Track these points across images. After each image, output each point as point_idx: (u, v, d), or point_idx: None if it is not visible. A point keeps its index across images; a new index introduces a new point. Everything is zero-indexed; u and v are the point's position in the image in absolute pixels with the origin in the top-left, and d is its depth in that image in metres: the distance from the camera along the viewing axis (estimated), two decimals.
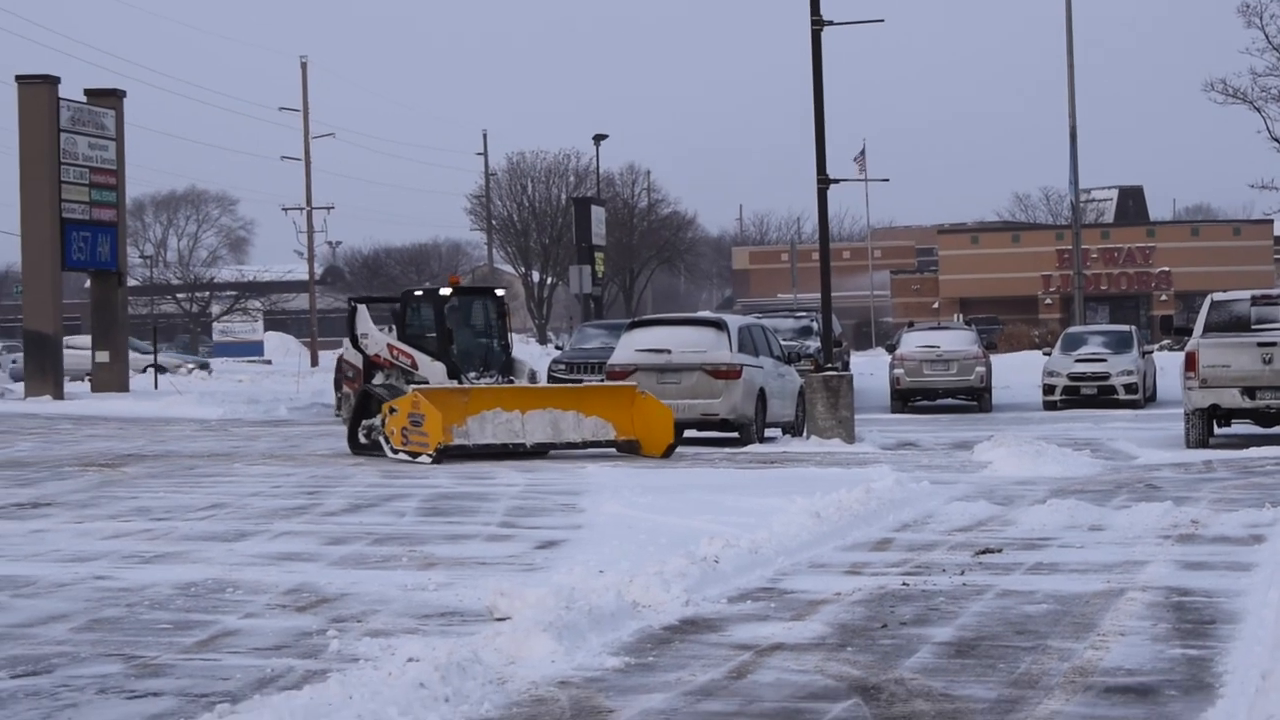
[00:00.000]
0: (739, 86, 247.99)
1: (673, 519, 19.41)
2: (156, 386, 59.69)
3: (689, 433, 33.77)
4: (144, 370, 66.93)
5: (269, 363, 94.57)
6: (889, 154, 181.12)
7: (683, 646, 12.39)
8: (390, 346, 33.57)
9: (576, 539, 18.46)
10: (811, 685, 11.05)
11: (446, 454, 28.97)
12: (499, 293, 35.54)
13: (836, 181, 46.76)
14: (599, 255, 67.19)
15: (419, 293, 35.30)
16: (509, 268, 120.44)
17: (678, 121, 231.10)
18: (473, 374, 32.77)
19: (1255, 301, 33.01)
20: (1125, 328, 52.53)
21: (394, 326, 35.01)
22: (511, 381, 33.17)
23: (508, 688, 10.86)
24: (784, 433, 36.19)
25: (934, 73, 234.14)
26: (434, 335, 33.35)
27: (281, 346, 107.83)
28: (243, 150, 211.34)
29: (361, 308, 35.13)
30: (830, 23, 43.56)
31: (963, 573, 15.86)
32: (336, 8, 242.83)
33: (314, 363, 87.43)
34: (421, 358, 32.91)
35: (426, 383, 31.67)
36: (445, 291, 34.06)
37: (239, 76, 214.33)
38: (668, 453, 30.26)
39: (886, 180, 67.72)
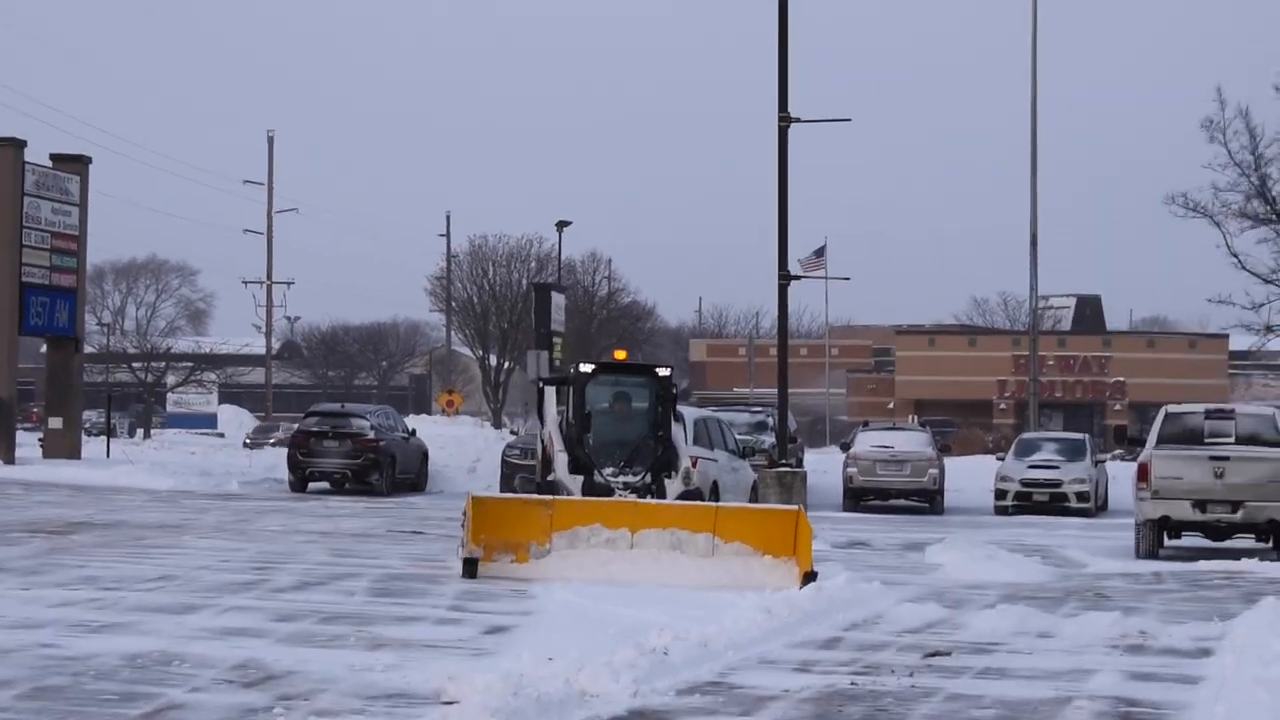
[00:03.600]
0: (702, 179, 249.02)
1: (623, 609, 19.35)
2: (109, 455, 59.39)
3: None
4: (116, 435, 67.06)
5: (221, 435, 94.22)
6: (850, 252, 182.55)
7: None
8: (551, 434, 29.71)
9: (526, 625, 18.39)
10: None
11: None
12: (662, 373, 30.29)
13: (798, 278, 47.16)
14: (558, 341, 67.02)
15: (574, 371, 30.32)
16: (467, 350, 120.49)
17: (640, 211, 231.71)
18: (609, 470, 28.64)
19: (1209, 415, 33.21)
20: (1079, 436, 52.61)
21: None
22: (660, 483, 28.63)
23: None
24: None
25: (896, 174, 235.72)
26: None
27: (235, 419, 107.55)
28: (205, 221, 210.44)
29: (549, 389, 30.82)
30: (797, 119, 44.02)
31: (911, 674, 15.79)
32: (304, 84, 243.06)
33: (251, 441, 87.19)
34: (557, 449, 29.24)
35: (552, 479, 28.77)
36: (585, 368, 29.97)
37: (204, 148, 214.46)
38: (805, 583, 22.02)
39: (847, 279, 68.56)
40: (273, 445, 78.93)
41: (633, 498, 27.10)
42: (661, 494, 28.06)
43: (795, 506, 25.97)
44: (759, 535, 23.81)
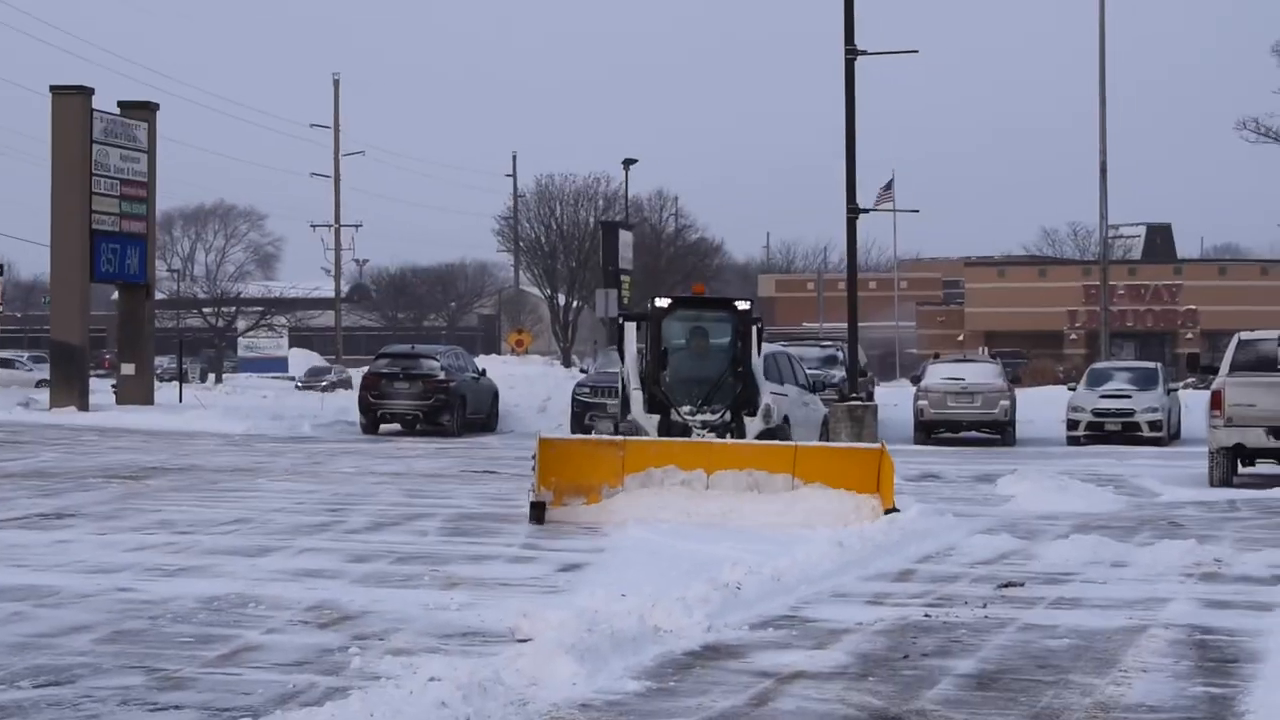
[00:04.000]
0: (769, 114, 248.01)
1: (695, 545, 19.38)
2: (181, 400, 59.71)
3: None
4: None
5: (292, 379, 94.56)
6: (917, 184, 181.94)
7: (704, 672, 12.36)
8: (629, 372, 28.60)
9: (599, 563, 18.46)
10: (832, 714, 11.04)
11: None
12: (741, 306, 29.17)
13: (866, 211, 47.05)
14: (626, 279, 67.27)
15: (650, 306, 29.41)
16: (535, 289, 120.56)
17: (707, 148, 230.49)
18: (687, 408, 27.86)
19: None
20: (1151, 365, 52.42)
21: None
22: (739, 422, 27.84)
23: (529, 709, 10.84)
24: None
25: (964, 104, 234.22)
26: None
27: (305, 363, 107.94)
28: (273, 166, 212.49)
29: (629, 325, 29.42)
30: (864, 52, 43.82)
31: (985, 606, 15.82)
32: (370, 26, 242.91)
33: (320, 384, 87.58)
34: (633, 387, 28.25)
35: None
36: (662, 303, 28.92)
37: (271, 92, 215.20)
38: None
39: (916, 211, 68.31)
40: (322, 389, 79.51)
41: (711, 437, 26.36)
42: (741, 433, 27.29)
43: (878, 444, 24.70)
44: (841, 474, 22.89)
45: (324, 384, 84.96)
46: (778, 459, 23.26)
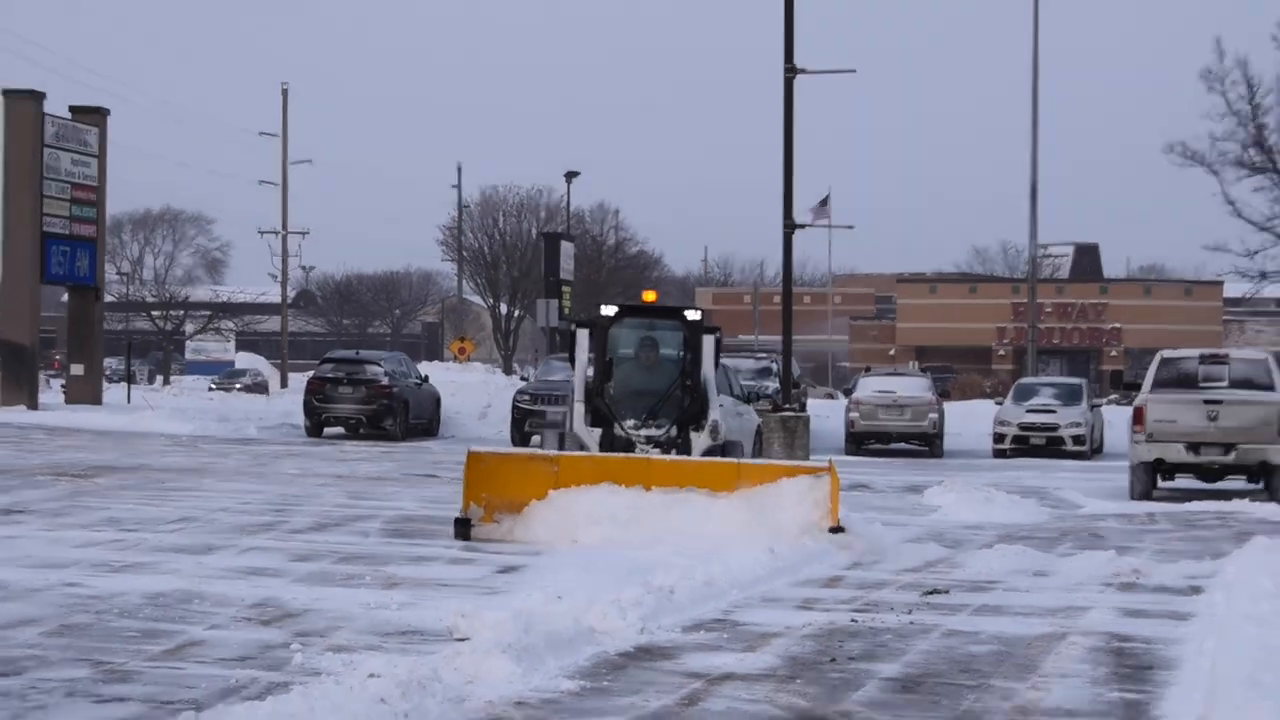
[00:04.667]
0: (709, 129, 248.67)
1: (631, 552, 19.32)
2: (129, 400, 59.46)
3: None
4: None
5: (264, 387, 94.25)
6: (853, 201, 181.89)
7: (637, 673, 12.42)
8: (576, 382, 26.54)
9: (537, 565, 18.44)
10: (760, 715, 11.11)
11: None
12: (691, 316, 26.35)
13: (802, 226, 47.11)
14: (567, 290, 67.10)
15: (596, 314, 27.03)
16: (477, 298, 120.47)
17: (648, 162, 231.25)
18: (631, 422, 25.45)
19: (1203, 360, 33.21)
20: (1076, 381, 52.69)
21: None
22: (686, 438, 25.38)
23: (466, 706, 10.89)
24: None
25: (900, 124, 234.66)
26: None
27: (252, 367, 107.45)
28: (221, 172, 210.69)
29: (581, 332, 26.68)
30: (803, 70, 43.85)
31: (910, 612, 15.90)
32: (318, 34, 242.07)
33: (284, 384, 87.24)
34: (576, 399, 26.02)
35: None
36: (609, 311, 26.39)
37: (220, 99, 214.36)
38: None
39: (851, 228, 68.36)
40: (239, 390, 79.43)
41: (655, 453, 24.54)
42: (687, 449, 25.16)
43: (827, 463, 22.28)
44: (785, 493, 21.27)
45: (238, 386, 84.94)
46: (721, 477, 21.76)
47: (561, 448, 24.91)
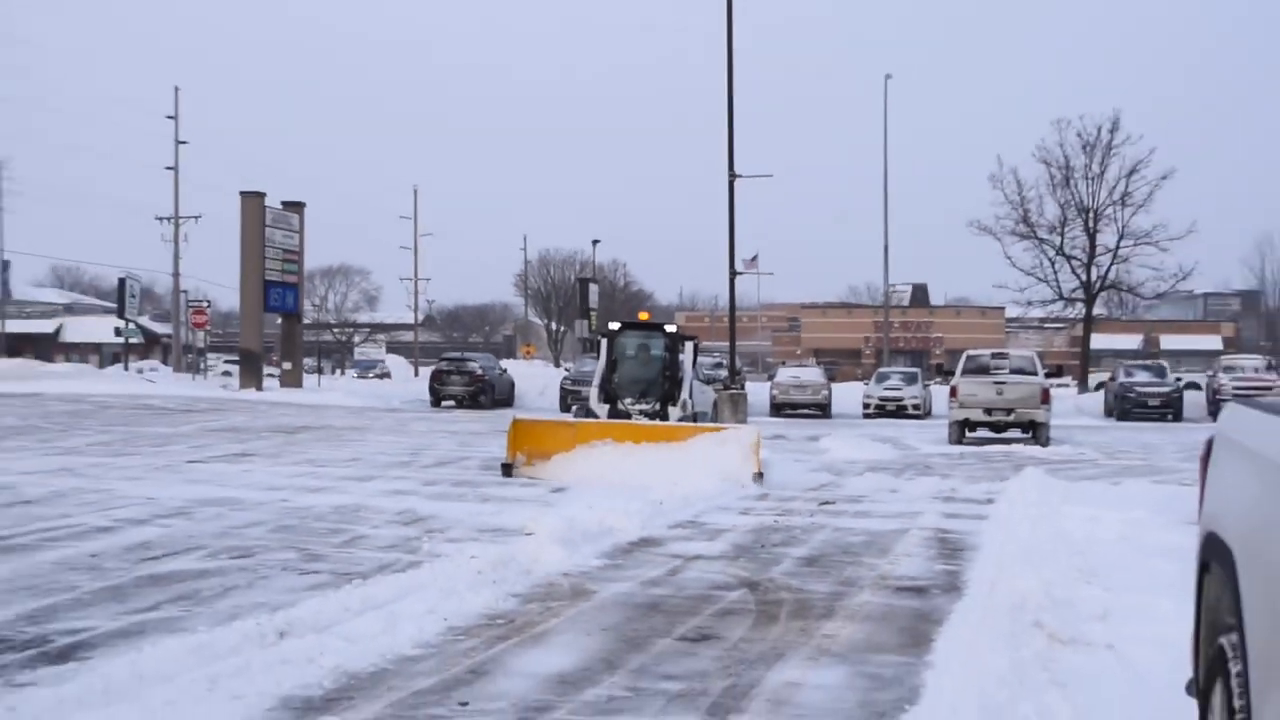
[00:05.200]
0: (686, 204, 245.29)
1: (630, 481, 19.34)
2: (319, 385, 59.46)
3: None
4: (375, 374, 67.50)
5: (388, 375, 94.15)
6: (774, 253, 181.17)
7: (639, 555, 12.40)
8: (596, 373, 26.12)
9: (574, 490, 18.34)
10: (718, 580, 11.11)
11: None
12: (669, 329, 26.14)
13: (740, 274, 46.98)
14: (593, 314, 66.93)
15: (607, 327, 26.52)
16: (538, 319, 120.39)
17: (645, 226, 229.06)
18: (628, 399, 25.18)
19: (993, 357, 33.58)
20: (914, 370, 52.59)
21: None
22: (665, 410, 24.94)
23: (531, 576, 10.89)
24: None
25: (805, 198, 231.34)
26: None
27: (396, 364, 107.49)
28: (378, 239, 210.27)
29: (604, 341, 26.26)
30: (740, 175, 43.91)
31: (811, 515, 15.89)
32: (445, 140, 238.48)
33: (416, 374, 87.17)
34: (594, 384, 25.56)
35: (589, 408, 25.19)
36: (614, 326, 26.24)
37: (378, 194, 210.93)
38: (757, 480, 19.22)
39: (771, 274, 68.16)
40: (372, 377, 79.45)
41: (644, 420, 24.04)
42: (665, 418, 24.83)
43: (755, 428, 20.92)
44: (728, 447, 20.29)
45: (372, 374, 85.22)
46: (685, 435, 20.29)
47: (584, 416, 24.88)
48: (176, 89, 67.93)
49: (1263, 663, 3.82)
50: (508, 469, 20.12)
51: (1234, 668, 4.09)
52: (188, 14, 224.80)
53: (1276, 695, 3.70)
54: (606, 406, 24.96)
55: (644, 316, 27.81)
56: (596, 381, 25.59)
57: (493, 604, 9.64)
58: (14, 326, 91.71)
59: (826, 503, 17.46)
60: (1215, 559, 4.54)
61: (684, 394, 25.40)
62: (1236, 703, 4.02)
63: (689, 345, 26.44)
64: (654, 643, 8.60)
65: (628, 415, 24.69)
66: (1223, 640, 4.30)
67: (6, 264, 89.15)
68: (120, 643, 8.17)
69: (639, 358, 25.97)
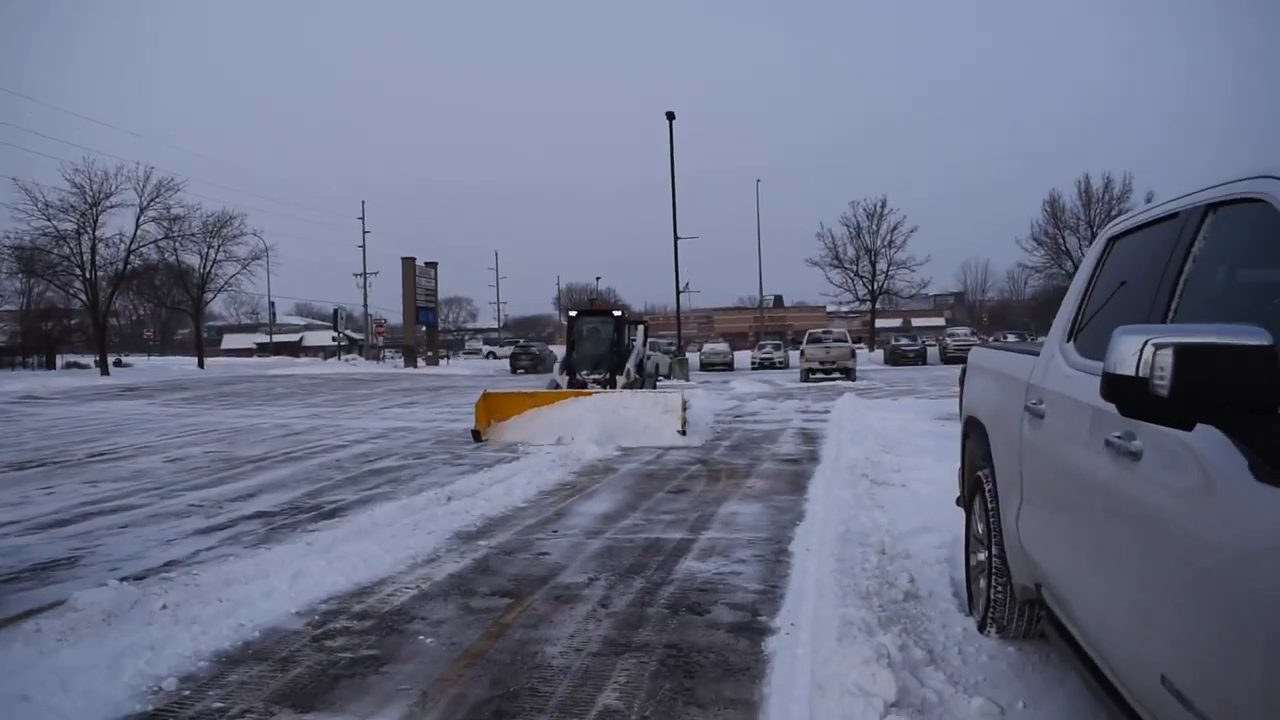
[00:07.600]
0: (651, 240, 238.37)
1: (598, 430, 18.88)
2: (448, 363, 59.18)
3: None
4: (484, 355, 67.10)
5: (493, 355, 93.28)
6: (698, 276, 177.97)
7: (636, 453, 12.39)
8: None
9: (579, 437, 17.34)
10: (684, 460, 11.10)
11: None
12: (615, 314, 20.50)
13: (682, 292, 46.43)
14: None
15: (568, 314, 20.93)
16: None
17: (623, 262, 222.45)
18: (584, 371, 19.33)
19: (824, 333, 33.72)
20: (779, 341, 52.60)
21: None
22: (614, 380, 19.01)
23: (580, 462, 10.88)
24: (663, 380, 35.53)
25: (719, 236, 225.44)
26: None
27: (488, 350, 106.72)
28: (475, 279, 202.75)
29: (566, 324, 20.99)
30: (681, 238, 43.65)
31: (730, 424, 15.72)
32: (514, 213, 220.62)
33: (498, 357, 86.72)
34: (558, 359, 20.57)
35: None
36: (573, 312, 20.77)
37: (474, 243, 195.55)
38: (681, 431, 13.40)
39: (699, 291, 67.08)
40: (483, 357, 78.64)
41: (596, 388, 18.44)
42: (614, 386, 19.37)
43: (680, 388, 16.10)
44: (659, 405, 16.03)
45: (483, 355, 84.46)
46: (629, 398, 15.90)
47: (552, 387, 18.91)
48: (363, 202, 67.59)
49: (1003, 483, 3.95)
50: (476, 436, 14.42)
51: (987, 486, 4.23)
52: (371, 157, 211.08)
53: (1009, 501, 3.84)
54: (567, 378, 20.03)
55: (599, 306, 22.99)
56: (560, 356, 20.60)
57: (562, 477, 9.63)
58: (278, 338, 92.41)
59: (738, 417, 17.16)
60: (973, 430, 4.68)
61: (630, 365, 19.51)
62: (990, 506, 4.16)
63: (640, 328, 20.86)
64: (653, 494, 8.67)
65: (584, 385, 19.83)
66: (980, 473, 4.44)
67: (272, 304, 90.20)
68: (360, 507, 8.20)
69: (592, 338, 20.15)
